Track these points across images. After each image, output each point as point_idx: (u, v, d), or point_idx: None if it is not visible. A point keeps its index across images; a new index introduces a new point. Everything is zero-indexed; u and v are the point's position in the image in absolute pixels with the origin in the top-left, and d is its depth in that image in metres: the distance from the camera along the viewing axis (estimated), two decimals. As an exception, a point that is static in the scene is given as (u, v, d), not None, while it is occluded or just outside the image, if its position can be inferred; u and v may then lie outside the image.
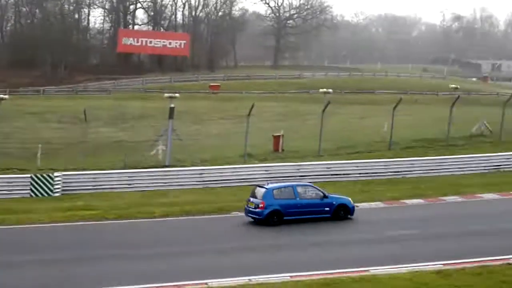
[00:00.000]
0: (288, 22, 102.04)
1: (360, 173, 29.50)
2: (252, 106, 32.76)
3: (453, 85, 64.65)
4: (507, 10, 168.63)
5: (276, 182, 22.60)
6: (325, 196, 20.95)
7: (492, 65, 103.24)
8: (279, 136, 36.06)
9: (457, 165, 31.01)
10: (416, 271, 14.82)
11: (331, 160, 31.37)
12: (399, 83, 72.37)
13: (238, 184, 28.06)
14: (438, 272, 14.70)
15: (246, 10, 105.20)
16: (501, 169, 31.38)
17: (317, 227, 20.28)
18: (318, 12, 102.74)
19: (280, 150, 35.48)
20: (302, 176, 28.88)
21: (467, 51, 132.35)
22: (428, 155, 33.41)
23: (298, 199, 20.65)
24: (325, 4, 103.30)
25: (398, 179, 29.13)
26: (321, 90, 59.01)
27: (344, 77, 77.71)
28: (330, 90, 58.98)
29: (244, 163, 31.42)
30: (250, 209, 20.69)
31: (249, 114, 32.84)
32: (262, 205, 20.18)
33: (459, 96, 41.85)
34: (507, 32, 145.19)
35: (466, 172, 30.62)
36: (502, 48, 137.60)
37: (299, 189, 20.97)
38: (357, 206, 23.35)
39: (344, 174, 29.32)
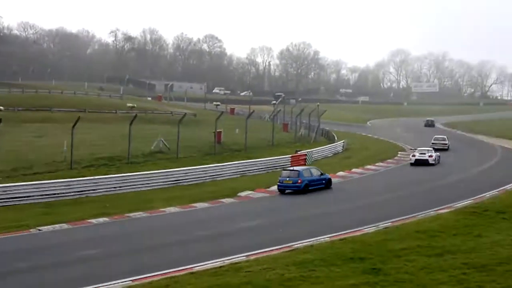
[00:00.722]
0: None
1: (41, 195, 27.82)
2: None
3: (130, 104, 67.05)
4: (174, 34, 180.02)
5: (297, 166, 34.08)
6: (322, 174, 31.68)
7: (165, 85, 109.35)
8: None
9: (140, 182, 31.71)
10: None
11: (6, 183, 28.87)
12: (76, 101, 71.11)
13: None
14: (126, 289, 14.65)
15: None
16: (180, 183, 33.27)
17: None
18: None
19: None
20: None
21: (141, 71, 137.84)
22: (110, 173, 33.40)
23: (313, 176, 30.93)
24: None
25: (83, 199, 28.41)
26: (-9, 107, 54.69)
27: (16, 94, 72.94)
28: (1, 108, 55.11)
29: None
30: (288, 184, 30.14)
31: None
32: (300, 181, 30.06)
33: (136, 114, 43.17)
34: (176, 55, 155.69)
35: (148, 188, 31.57)
36: (173, 70, 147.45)
37: (311, 170, 31.55)
38: (39, 230, 22.05)
39: (24, 197, 27.30)
